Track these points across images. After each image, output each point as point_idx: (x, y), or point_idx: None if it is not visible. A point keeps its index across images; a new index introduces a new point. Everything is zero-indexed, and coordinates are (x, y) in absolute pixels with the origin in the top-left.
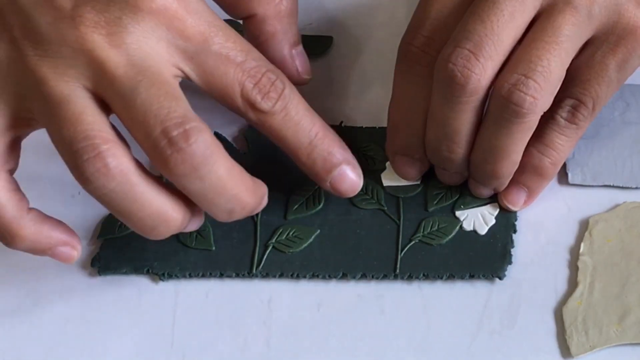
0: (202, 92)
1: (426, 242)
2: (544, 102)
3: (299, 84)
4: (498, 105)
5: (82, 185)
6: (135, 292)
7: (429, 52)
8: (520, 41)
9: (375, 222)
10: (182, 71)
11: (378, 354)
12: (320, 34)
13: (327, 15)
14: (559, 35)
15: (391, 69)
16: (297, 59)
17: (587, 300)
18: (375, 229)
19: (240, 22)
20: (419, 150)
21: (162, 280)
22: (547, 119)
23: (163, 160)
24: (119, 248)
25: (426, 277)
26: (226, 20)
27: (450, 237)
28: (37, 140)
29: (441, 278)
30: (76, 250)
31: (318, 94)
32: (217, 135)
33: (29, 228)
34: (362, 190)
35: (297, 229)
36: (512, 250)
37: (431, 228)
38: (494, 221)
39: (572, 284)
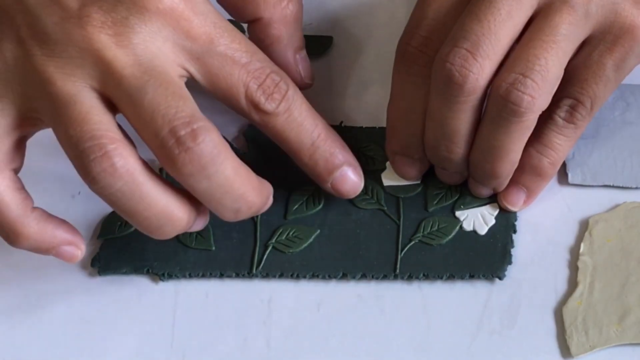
0: (207, 93)
1: (426, 242)
2: (542, 101)
3: (301, 88)
4: (496, 104)
5: (88, 185)
6: (135, 292)
7: (427, 52)
8: (517, 40)
9: (375, 222)
10: (188, 71)
11: (378, 354)
12: (320, 34)
13: (327, 15)
14: (556, 34)
15: (391, 69)
16: (301, 64)
17: (587, 300)
18: (375, 229)
19: (243, 25)
20: (418, 150)
21: (162, 280)
22: (546, 119)
23: (171, 159)
24: (119, 248)
25: (426, 277)
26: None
27: (450, 237)
28: (38, 140)
29: (441, 278)
30: (80, 249)
31: (318, 94)
32: None
33: (33, 227)
34: (362, 190)
35: (297, 229)
36: (512, 250)
37: (431, 228)
38: (494, 221)
39: (572, 284)
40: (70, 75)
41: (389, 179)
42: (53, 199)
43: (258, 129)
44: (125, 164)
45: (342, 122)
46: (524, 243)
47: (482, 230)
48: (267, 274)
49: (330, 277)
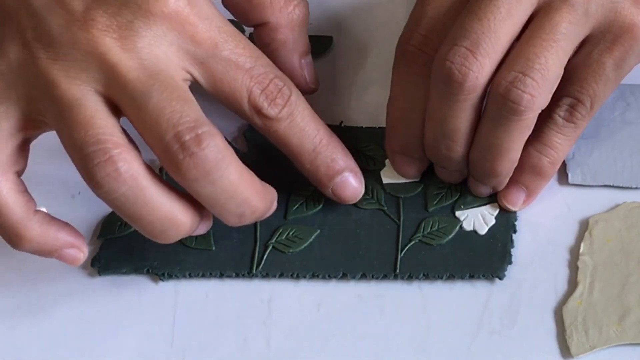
0: (210, 97)
1: (426, 242)
2: (542, 99)
3: (306, 93)
4: (496, 103)
5: (92, 189)
6: (135, 292)
7: (427, 50)
8: (517, 39)
9: (375, 222)
10: (192, 75)
11: (378, 354)
12: (320, 34)
13: (327, 15)
14: (556, 33)
15: (391, 69)
16: (306, 68)
17: (587, 300)
18: (375, 229)
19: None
20: (418, 150)
21: (162, 280)
22: (545, 118)
23: (175, 164)
24: (119, 248)
25: (426, 277)
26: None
27: (450, 237)
28: (38, 141)
29: (441, 278)
30: (82, 252)
31: (318, 94)
32: None
33: (36, 230)
34: None
35: (297, 229)
36: (512, 250)
37: (431, 228)
38: (494, 221)
39: (572, 284)
40: (74, 79)
41: (389, 177)
42: (53, 199)
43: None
44: (130, 169)
45: (342, 122)
46: (524, 243)
47: (482, 230)
48: (267, 274)
49: (330, 277)
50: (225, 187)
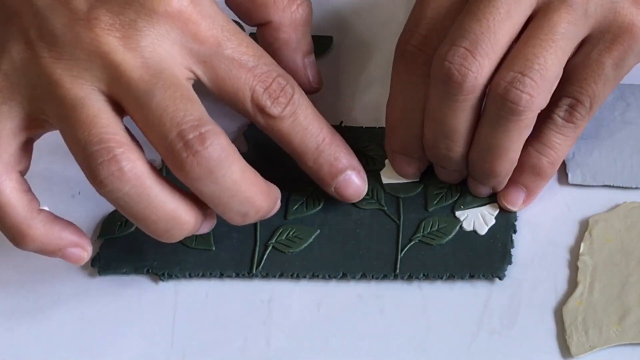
0: (213, 96)
1: (426, 242)
2: (541, 99)
3: (309, 92)
4: (495, 103)
5: (96, 189)
6: (135, 292)
7: (426, 50)
8: (517, 39)
9: (375, 222)
10: (195, 74)
11: (378, 354)
12: (320, 34)
13: (327, 15)
14: (554, 33)
15: (391, 68)
16: (309, 68)
17: (587, 300)
18: (375, 229)
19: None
20: (417, 150)
21: (162, 280)
22: (545, 118)
23: (179, 163)
24: (119, 248)
25: (426, 277)
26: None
27: (450, 237)
28: (38, 141)
29: (441, 278)
30: (86, 251)
31: (318, 93)
32: None
33: (39, 229)
34: None
35: (297, 229)
36: (512, 250)
37: (431, 228)
38: (494, 221)
39: (572, 284)
40: (78, 78)
41: (388, 177)
42: (53, 199)
43: (258, 129)
44: (133, 168)
45: (342, 122)
46: (524, 243)
47: (482, 230)
48: (267, 274)
49: (330, 277)
50: (228, 186)
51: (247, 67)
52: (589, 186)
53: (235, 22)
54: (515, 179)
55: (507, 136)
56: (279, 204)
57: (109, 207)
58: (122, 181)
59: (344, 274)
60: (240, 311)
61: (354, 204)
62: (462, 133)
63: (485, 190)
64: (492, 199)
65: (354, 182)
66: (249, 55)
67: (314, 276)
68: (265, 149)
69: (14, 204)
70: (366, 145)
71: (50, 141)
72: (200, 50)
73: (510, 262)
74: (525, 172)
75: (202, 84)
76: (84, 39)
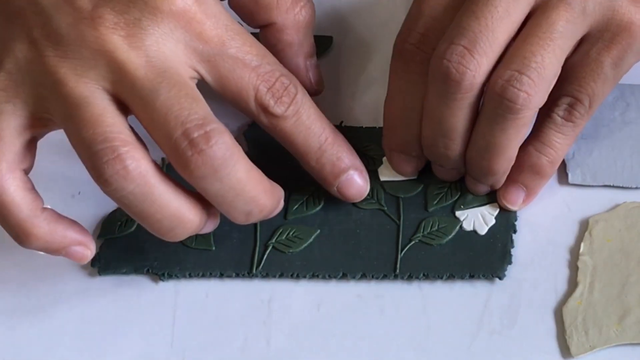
0: (216, 95)
1: (426, 242)
2: (538, 98)
3: (311, 94)
4: (492, 101)
5: (101, 187)
6: (135, 292)
7: (424, 49)
8: (515, 37)
9: (375, 222)
10: (198, 73)
11: (378, 354)
12: (320, 34)
13: (327, 15)
14: (552, 32)
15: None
16: (311, 70)
17: (587, 300)
18: (375, 229)
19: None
20: (415, 148)
21: (162, 280)
22: (544, 117)
23: (184, 161)
24: (119, 248)
25: (426, 277)
26: None
27: (450, 237)
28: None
29: (441, 278)
30: (90, 249)
31: None
32: None
33: (43, 227)
34: None
35: (297, 229)
36: (512, 250)
37: (431, 228)
38: (494, 221)
39: (572, 284)
40: (82, 77)
41: (386, 175)
42: (53, 199)
43: (258, 129)
44: (138, 167)
45: (342, 122)
46: (524, 243)
47: (482, 230)
48: (267, 274)
49: (330, 277)
50: (233, 185)
51: (251, 67)
52: (589, 186)
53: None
54: (515, 178)
55: (504, 134)
56: (282, 203)
57: (109, 207)
58: (127, 180)
59: (344, 274)
60: (240, 311)
61: (354, 204)
62: (460, 131)
63: (483, 189)
64: (492, 199)
65: (356, 181)
66: (252, 55)
67: (314, 276)
68: (265, 149)
69: (18, 203)
70: (366, 145)
71: (50, 141)
72: (204, 50)
73: (510, 262)
74: (525, 172)
75: (206, 83)
76: (89, 38)
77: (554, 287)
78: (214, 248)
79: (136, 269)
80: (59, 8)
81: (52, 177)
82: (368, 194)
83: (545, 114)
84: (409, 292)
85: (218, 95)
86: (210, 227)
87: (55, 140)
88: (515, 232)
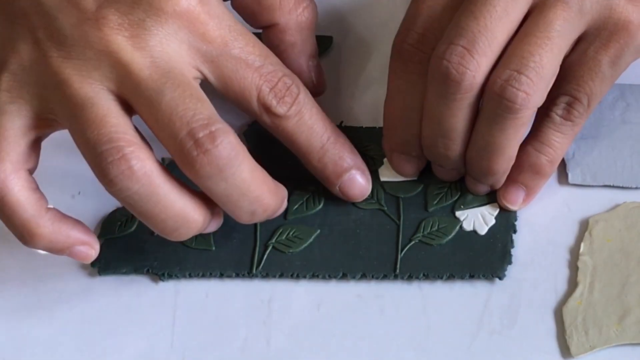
0: (219, 95)
1: (426, 242)
2: (537, 97)
3: (313, 95)
4: (491, 101)
5: (106, 187)
6: (135, 292)
7: (423, 49)
8: (514, 36)
9: (375, 222)
10: (202, 73)
11: (378, 354)
12: (320, 34)
13: (327, 15)
14: (550, 31)
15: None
16: (313, 71)
17: (587, 300)
18: (375, 229)
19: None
20: (416, 148)
21: (162, 280)
22: (543, 116)
23: (189, 161)
24: (119, 248)
25: (426, 277)
26: None
27: (450, 237)
28: None
29: (441, 278)
30: (94, 249)
31: None
32: None
33: (47, 227)
34: None
35: (297, 229)
36: (512, 250)
37: (431, 228)
38: (494, 221)
39: (572, 284)
40: (87, 77)
41: (387, 176)
42: (53, 199)
43: (258, 128)
44: (143, 167)
45: (342, 122)
46: (524, 243)
47: (482, 230)
48: (267, 274)
49: (330, 277)
50: (238, 184)
51: (254, 67)
52: (589, 186)
53: None
54: (514, 178)
55: (504, 134)
56: (285, 203)
57: (109, 207)
58: (132, 180)
59: (344, 274)
60: (240, 311)
61: (354, 204)
62: (460, 132)
63: (483, 188)
64: (492, 199)
65: (358, 181)
66: (255, 55)
67: (314, 276)
68: (265, 149)
69: (22, 202)
70: (366, 145)
71: (50, 141)
72: (208, 50)
73: (510, 262)
74: (525, 171)
75: (209, 83)
76: (93, 39)
77: (554, 287)
78: (214, 248)
79: (136, 269)
80: (62, 9)
81: (53, 177)
82: (368, 194)
83: (543, 114)
84: (409, 292)
85: (221, 95)
86: (214, 226)
87: (55, 140)
88: (515, 232)
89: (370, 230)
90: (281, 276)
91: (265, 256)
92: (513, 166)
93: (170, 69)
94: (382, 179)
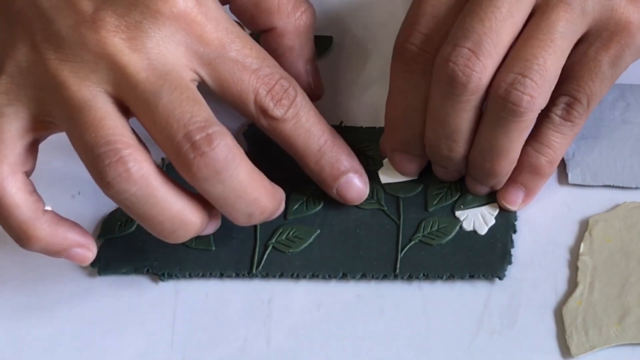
0: (216, 97)
1: (426, 242)
2: (541, 100)
3: (311, 99)
4: (496, 104)
5: (103, 190)
6: (135, 292)
7: (426, 49)
8: (518, 37)
9: (375, 222)
10: (199, 75)
11: (378, 354)
12: (320, 34)
13: (327, 15)
14: (553, 33)
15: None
16: (312, 75)
17: (587, 300)
18: (375, 229)
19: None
20: (418, 147)
21: (162, 280)
22: (543, 117)
23: (186, 164)
24: (119, 248)
25: (426, 277)
26: None
27: (450, 237)
28: None
29: (441, 278)
30: (91, 251)
31: None
32: None
33: (44, 229)
34: None
35: (297, 229)
36: (512, 250)
37: (431, 228)
38: (494, 221)
39: (572, 284)
40: (84, 80)
41: (387, 176)
42: (53, 199)
43: (258, 128)
44: (140, 169)
45: (342, 122)
46: (524, 243)
47: (482, 230)
48: (267, 274)
49: (330, 277)
50: (235, 187)
51: (251, 70)
52: (589, 186)
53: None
54: (514, 179)
55: (507, 137)
56: (283, 205)
57: (108, 207)
58: (129, 182)
59: (344, 274)
60: (240, 311)
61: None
62: (464, 133)
63: (484, 190)
64: (492, 199)
65: (355, 184)
66: (252, 58)
67: (314, 276)
68: (265, 149)
69: (19, 205)
70: (366, 145)
71: (50, 141)
72: (205, 52)
73: (510, 262)
74: (524, 172)
75: (206, 86)
76: (90, 41)
77: (554, 287)
78: (214, 248)
79: (136, 269)
80: (60, 11)
81: (52, 177)
82: (368, 194)
83: (543, 114)
84: (409, 292)
85: (218, 97)
86: (211, 228)
87: (55, 140)
88: (515, 232)
89: (370, 230)
90: (281, 276)
91: (265, 256)
92: None
93: (167, 71)
94: (383, 180)
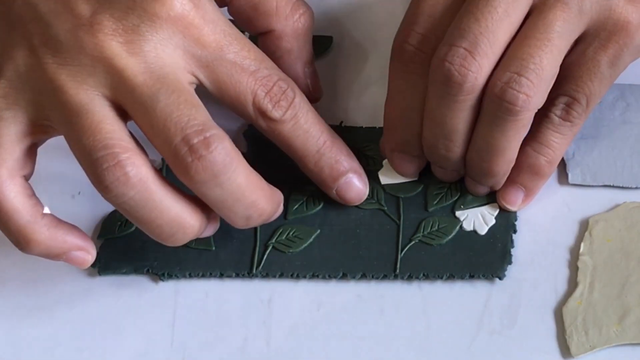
0: (214, 99)
1: (426, 242)
2: (538, 99)
3: (310, 101)
4: (492, 103)
5: (101, 194)
6: (135, 292)
7: (424, 49)
8: (514, 37)
9: (375, 222)
10: (197, 78)
11: (378, 354)
12: (321, 34)
13: (327, 15)
14: (550, 32)
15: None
16: (310, 77)
17: (587, 300)
18: (375, 229)
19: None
20: (416, 147)
21: (162, 280)
22: (542, 117)
23: (184, 167)
24: (119, 248)
25: (426, 277)
26: None
27: (450, 237)
28: None
29: (441, 278)
30: (90, 254)
31: None
32: None
33: (44, 233)
34: None
35: (297, 229)
36: (512, 250)
37: (431, 228)
38: (494, 221)
39: (572, 284)
40: (82, 83)
41: (387, 177)
42: (53, 199)
43: (257, 129)
44: (138, 173)
45: (342, 122)
46: (524, 243)
47: (482, 230)
48: (267, 274)
49: (330, 277)
50: (233, 190)
51: (249, 71)
52: (589, 186)
53: None
54: (513, 179)
55: (504, 136)
56: (281, 207)
57: (109, 207)
58: (127, 186)
59: (344, 274)
60: (240, 311)
61: None
62: (461, 133)
63: (483, 190)
64: (492, 199)
65: (355, 184)
66: (250, 60)
67: (314, 276)
68: (264, 149)
69: (18, 209)
70: (366, 145)
71: (50, 141)
72: (203, 55)
73: (510, 262)
74: (524, 172)
75: (204, 88)
76: (88, 45)
77: (554, 287)
78: (214, 248)
79: (136, 269)
80: (58, 15)
81: (52, 177)
82: (368, 194)
83: (542, 114)
84: (409, 292)
85: (216, 100)
86: (209, 231)
87: (54, 140)
88: (515, 232)
89: (370, 230)
90: (281, 276)
91: (265, 256)
92: (512, 167)
93: (165, 74)
94: (383, 182)
